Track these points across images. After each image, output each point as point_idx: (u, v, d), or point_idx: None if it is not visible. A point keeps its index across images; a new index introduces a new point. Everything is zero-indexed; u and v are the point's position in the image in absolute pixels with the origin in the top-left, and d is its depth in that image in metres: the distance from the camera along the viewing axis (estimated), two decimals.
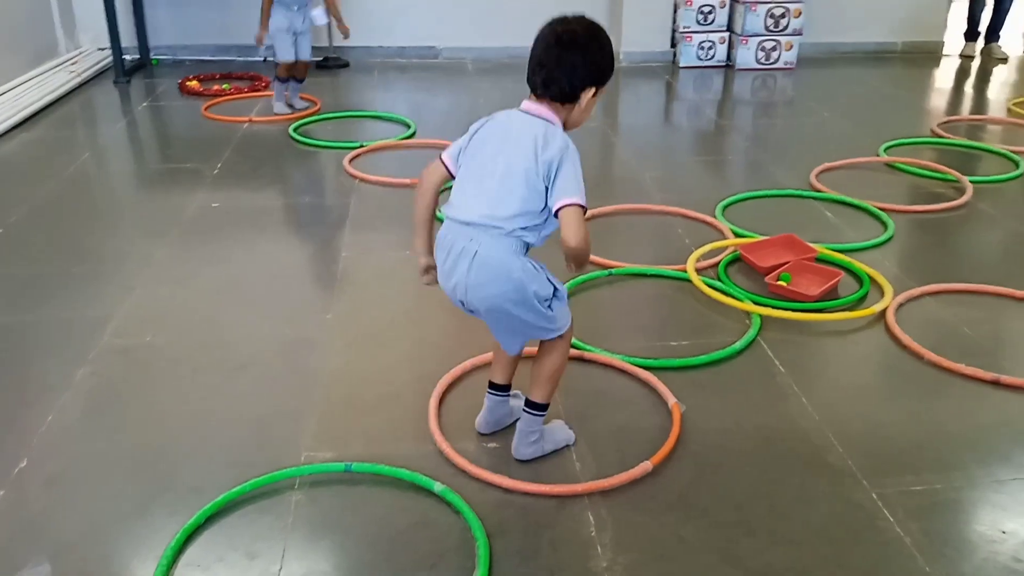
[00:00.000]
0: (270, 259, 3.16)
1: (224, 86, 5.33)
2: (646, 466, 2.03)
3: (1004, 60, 6.41)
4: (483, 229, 1.83)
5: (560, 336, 1.98)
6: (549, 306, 1.91)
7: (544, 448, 2.09)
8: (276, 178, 3.99)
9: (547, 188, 1.80)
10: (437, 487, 1.95)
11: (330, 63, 6.04)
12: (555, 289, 1.92)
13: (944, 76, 6.18)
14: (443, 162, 1.97)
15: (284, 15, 4.69)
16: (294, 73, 4.91)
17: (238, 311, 2.79)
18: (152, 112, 5.05)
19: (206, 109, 4.92)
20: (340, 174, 3.99)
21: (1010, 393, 2.36)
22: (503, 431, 2.17)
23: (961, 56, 6.52)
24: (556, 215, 1.79)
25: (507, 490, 1.98)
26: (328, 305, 2.81)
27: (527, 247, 1.87)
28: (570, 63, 1.82)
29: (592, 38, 1.85)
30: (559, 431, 2.15)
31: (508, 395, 2.17)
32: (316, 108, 4.97)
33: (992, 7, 6.36)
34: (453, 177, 1.96)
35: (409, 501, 1.96)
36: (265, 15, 4.65)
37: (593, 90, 1.86)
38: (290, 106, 4.98)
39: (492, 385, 2.14)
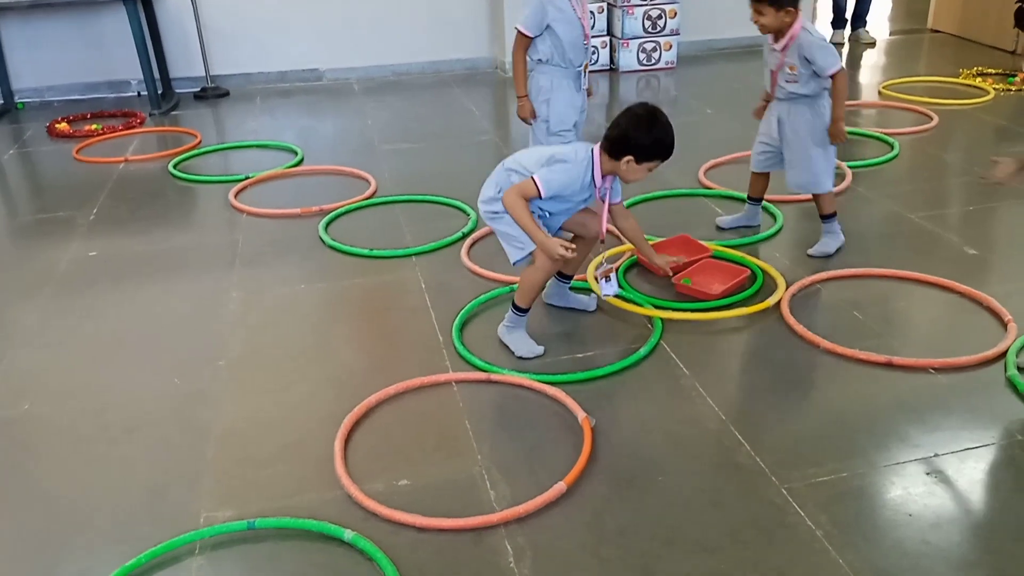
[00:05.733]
0: (155, 308, 3.00)
1: (95, 126, 5.08)
2: (560, 487, 2.00)
3: (872, 44, 6.71)
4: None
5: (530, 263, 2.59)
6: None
7: (504, 339, 2.64)
8: (157, 220, 3.81)
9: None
10: (347, 535, 1.88)
11: (208, 93, 5.83)
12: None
13: None
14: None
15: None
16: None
17: (123, 369, 2.63)
18: (20, 159, 4.77)
19: (77, 152, 4.67)
20: (226, 209, 3.84)
21: (903, 373, 2.44)
22: None
23: (831, 44, 6.78)
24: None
25: (421, 529, 1.92)
26: (220, 352, 2.68)
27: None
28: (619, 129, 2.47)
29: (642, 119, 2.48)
30: (523, 344, 2.60)
31: (567, 283, 2.83)
32: (196, 142, 4.78)
33: None
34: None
35: (319, 553, 1.88)
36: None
37: (630, 158, 2.44)
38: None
39: (558, 273, 2.80)
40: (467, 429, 2.27)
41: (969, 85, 5.39)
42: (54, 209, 3.97)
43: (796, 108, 3.06)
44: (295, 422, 2.34)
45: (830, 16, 6.81)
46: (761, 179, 3.34)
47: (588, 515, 1.95)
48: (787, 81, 3.03)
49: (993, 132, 4.65)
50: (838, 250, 3.15)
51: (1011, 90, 5.26)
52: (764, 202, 3.45)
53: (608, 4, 6.13)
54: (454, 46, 6.24)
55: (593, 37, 6.13)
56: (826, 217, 3.16)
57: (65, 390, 2.53)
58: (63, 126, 5.12)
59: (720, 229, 3.42)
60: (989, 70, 5.63)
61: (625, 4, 6.01)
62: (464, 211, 3.62)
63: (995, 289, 2.83)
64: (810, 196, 3.19)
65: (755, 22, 3.00)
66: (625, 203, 3.65)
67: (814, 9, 7.02)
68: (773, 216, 3.49)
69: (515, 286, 2.96)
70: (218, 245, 3.51)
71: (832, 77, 2.95)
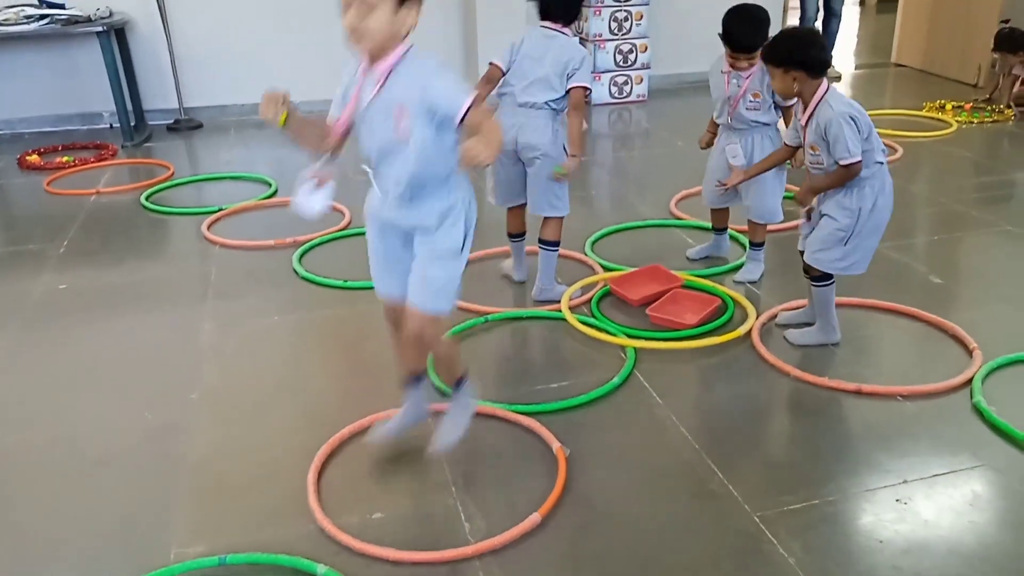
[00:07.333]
0: (126, 340, 2.97)
1: (67, 158, 5.04)
2: (535, 518, 2.00)
3: (837, 79, 6.87)
4: None
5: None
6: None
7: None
8: (129, 251, 3.78)
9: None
10: (320, 569, 1.86)
11: (182, 125, 5.83)
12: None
13: None
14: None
15: None
16: None
17: (93, 401, 2.60)
18: None
19: (48, 184, 4.64)
20: (199, 241, 3.83)
21: (872, 401, 2.47)
22: None
23: None
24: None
25: (395, 562, 1.90)
26: (193, 384, 2.66)
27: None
28: None
29: None
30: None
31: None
32: (169, 174, 4.77)
33: (820, 30, 6.81)
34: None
35: None
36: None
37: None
38: None
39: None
40: (441, 461, 2.26)
41: (932, 118, 5.52)
42: (24, 241, 3.93)
43: (756, 138, 3.15)
44: (268, 454, 2.32)
45: None
46: (721, 211, 3.40)
47: (563, 545, 1.95)
48: (748, 108, 3.11)
49: (956, 163, 4.77)
50: (761, 276, 3.26)
51: (973, 122, 5.40)
52: (733, 231, 3.51)
53: (581, 38, 6.22)
54: None
55: None
56: (758, 245, 3.28)
57: (35, 422, 2.49)
58: (34, 158, 5.08)
59: (690, 260, 3.46)
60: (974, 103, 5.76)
61: (597, 38, 6.11)
62: None
63: (960, 317, 2.88)
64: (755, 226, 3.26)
65: (738, 67, 3.07)
66: (597, 234, 3.69)
67: None
68: (743, 246, 3.53)
69: (490, 316, 2.98)
70: (191, 277, 3.49)
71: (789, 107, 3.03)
